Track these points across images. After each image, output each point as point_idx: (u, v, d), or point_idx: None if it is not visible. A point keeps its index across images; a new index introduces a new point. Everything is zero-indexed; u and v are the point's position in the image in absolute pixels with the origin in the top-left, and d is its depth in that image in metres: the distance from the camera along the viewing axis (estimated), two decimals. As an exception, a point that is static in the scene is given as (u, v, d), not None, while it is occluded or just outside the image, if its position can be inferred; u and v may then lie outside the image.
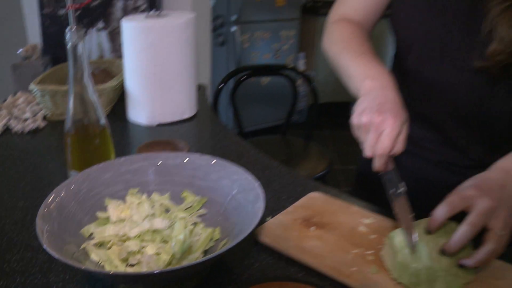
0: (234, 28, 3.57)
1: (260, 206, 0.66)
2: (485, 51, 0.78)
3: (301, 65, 4.15)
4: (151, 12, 1.26)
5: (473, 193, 0.64)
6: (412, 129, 0.82)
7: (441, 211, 0.64)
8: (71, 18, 0.82)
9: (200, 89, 1.47)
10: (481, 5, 0.79)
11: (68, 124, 0.86)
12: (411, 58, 0.91)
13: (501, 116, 0.86)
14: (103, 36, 1.57)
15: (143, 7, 1.56)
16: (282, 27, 3.84)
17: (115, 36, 1.58)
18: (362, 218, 0.80)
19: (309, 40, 4.30)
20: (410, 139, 0.75)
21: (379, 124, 0.68)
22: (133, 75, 1.24)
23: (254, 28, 3.70)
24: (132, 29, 1.20)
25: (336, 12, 1.01)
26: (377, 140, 0.68)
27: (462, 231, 0.62)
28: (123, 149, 1.08)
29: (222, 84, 2.08)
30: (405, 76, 0.93)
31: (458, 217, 0.64)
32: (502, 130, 0.87)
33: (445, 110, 0.90)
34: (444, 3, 0.83)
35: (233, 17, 3.56)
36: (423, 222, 0.67)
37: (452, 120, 0.90)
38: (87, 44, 1.57)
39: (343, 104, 4.29)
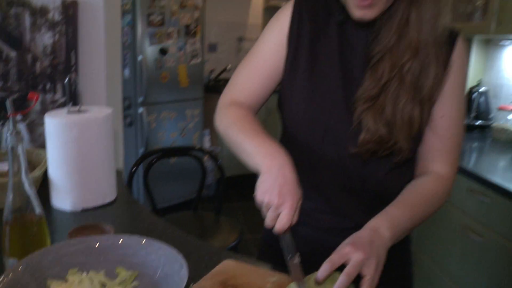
0: (141, 110, 3.74)
1: (184, 274, 0.82)
2: (357, 140, 1.01)
3: (206, 141, 4.36)
4: (72, 108, 1.40)
5: (349, 250, 0.84)
6: (304, 202, 1.01)
7: (324, 268, 0.83)
8: (11, 124, 0.95)
9: (118, 173, 1.60)
10: (351, 101, 1.02)
11: (7, 214, 0.96)
12: (297, 137, 1.10)
13: (374, 186, 1.08)
14: (22, 127, 1.67)
15: (61, 100, 1.69)
16: (187, 106, 4.07)
17: (33, 127, 1.69)
18: (268, 277, 0.97)
19: (212, 118, 4.54)
20: (303, 211, 0.93)
21: (278, 206, 0.84)
22: (57, 165, 1.35)
23: (160, 108, 3.89)
24: (56, 125, 1.32)
25: (227, 96, 1.15)
26: (276, 217, 0.85)
27: (341, 280, 0.81)
28: (52, 234, 1.18)
29: (135, 168, 2.21)
30: (293, 149, 1.08)
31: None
32: (376, 196, 1.09)
33: (330, 182, 1.09)
34: (323, 96, 1.04)
35: (140, 99, 3.73)
36: (314, 275, 0.85)
37: (336, 190, 1.09)
38: (4, 135, 1.66)
39: (249, 176, 4.53)
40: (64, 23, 1.65)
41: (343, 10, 1.01)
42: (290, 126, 1.11)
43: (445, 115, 1.04)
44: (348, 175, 1.07)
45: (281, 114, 1.14)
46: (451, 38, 1.01)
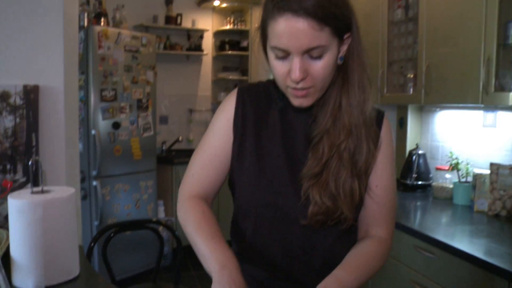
0: (95, 183, 3.76)
1: None
2: (306, 213, 1.12)
3: (161, 212, 4.38)
4: (35, 188, 1.45)
5: None
6: (258, 272, 1.10)
7: None
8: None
9: (80, 249, 1.64)
10: (297, 179, 1.14)
11: (-22, 298, 1.00)
12: (249, 214, 1.18)
13: (323, 253, 1.17)
14: (-19, 210, 1.70)
15: (21, 180, 1.74)
16: (141, 178, 4.11)
17: (-8, 208, 1.71)
18: None
19: (166, 188, 4.60)
20: (257, 280, 1.02)
21: None
22: (21, 245, 1.38)
23: (114, 181, 3.91)
24: (20, 206, 1.37)
25: (186, 187, 1.23)
26: None
27: None
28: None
29: (93, 243, 2.23)
30: (245, 223, 1.19)
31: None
32: (324, 261, 1.18)
33: (281, 252, 1.17)
34: (270, 176, 1.15)
35: (94, 172, 3.76)
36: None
37: (287, 258, 1.17)
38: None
39: (205, 244, 4.55)
40: (25, 107, 1.73)
41: (284, 97, 1.15)
42: (242, 204, 1.21)
43: (379, 185, 1.18)
44: (299, 244, 1.16)
45: (232, 193, 1.24)
46: (378, 119, 1.17)
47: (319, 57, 1.01)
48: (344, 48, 1.07)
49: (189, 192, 1.21)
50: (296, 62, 1.00)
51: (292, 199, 1.14)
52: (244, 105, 1.20)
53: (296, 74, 1.01)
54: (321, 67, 1.02)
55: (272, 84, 1.20)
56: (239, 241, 1.23)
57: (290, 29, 0.97)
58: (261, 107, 1.20)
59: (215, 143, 1.21)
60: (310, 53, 1.00)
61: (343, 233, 1.17)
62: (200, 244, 1.08)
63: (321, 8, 0.95)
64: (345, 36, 1.05)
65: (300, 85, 1.04)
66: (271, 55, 1.06)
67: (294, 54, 1.00)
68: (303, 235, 1.15)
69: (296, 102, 1.09)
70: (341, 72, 1.10)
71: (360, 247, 1.17)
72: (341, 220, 1.13)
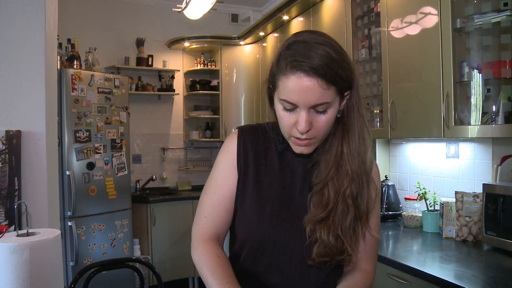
0: (70, 223, 3.74)
1: None
2: (311, 252, 1.19)
3: (136, 250, 4.36)
4: (20, 231, 1.48)
5: None
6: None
7: None
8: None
9: (63, 290, 1.67)
10: (301, 222, 1.21)
11: None
12: (249, 248, 1.25)
13: (315, 285, 1.25)
14: (-37, 255, 1.71)
15: (3, 224, 1.76)
16: (116, 217, 4.12)
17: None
18: None
19: (141, 227, 4.60)
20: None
21: None
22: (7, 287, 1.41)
23: (90, 220, 3.91)
24: (7, 249, 1.40)
25: (198, 229, 1.28)
26: None
27: None
28: None
29: (73, 285, 2.23)
30: (245, 254, 1.26)
31: None
32: None
33: (278, 281, 1.23)
34: (270, 211, 1.23)
35: (69, 213, 3.75)
36: None
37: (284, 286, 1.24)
38: None
39: (183, 280, 4.55)
40: (7, 152, 1.77)
41: (283, 139, 1.24)
42: (243, 236, 1.27)
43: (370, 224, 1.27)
44: (294, 279, 1.23)
45: (232, 225, 1.30)
46: None
47: (324, 111, 1.11)
48: (343, 103, 1.17)
49: (202, 235, 1.27)
50: (303, 116, 1.10)
51: (296, 237, 1.22)
52: (245, 145, 1.28)
53: (303, 126, 1.10)
54: (324, 120, 1.12)
55: (270, 127, 1.29)
56: (236, 269, 1.27)
57: (301, 86, 1.06)
58: (260, 147, 1.29)
59: (223, 183, 1.28)
60: (316, 108, 1.09)
61: (335, 268, 1.26)
62: (213, 286, 1.13)
63: (329, 70, 1.05)
64: (346, 93, 1.15)
65: (304, 136, 1.13)
66: (279, 106, 1.15)
67: (301, 108, 1.09)
68: (300, 269, 1.23)
69: (297, 149, 1.19)
70: (341, 123, 1.20)
71: (351, 279, 1.26)
72: (342, 260, 1.22)
